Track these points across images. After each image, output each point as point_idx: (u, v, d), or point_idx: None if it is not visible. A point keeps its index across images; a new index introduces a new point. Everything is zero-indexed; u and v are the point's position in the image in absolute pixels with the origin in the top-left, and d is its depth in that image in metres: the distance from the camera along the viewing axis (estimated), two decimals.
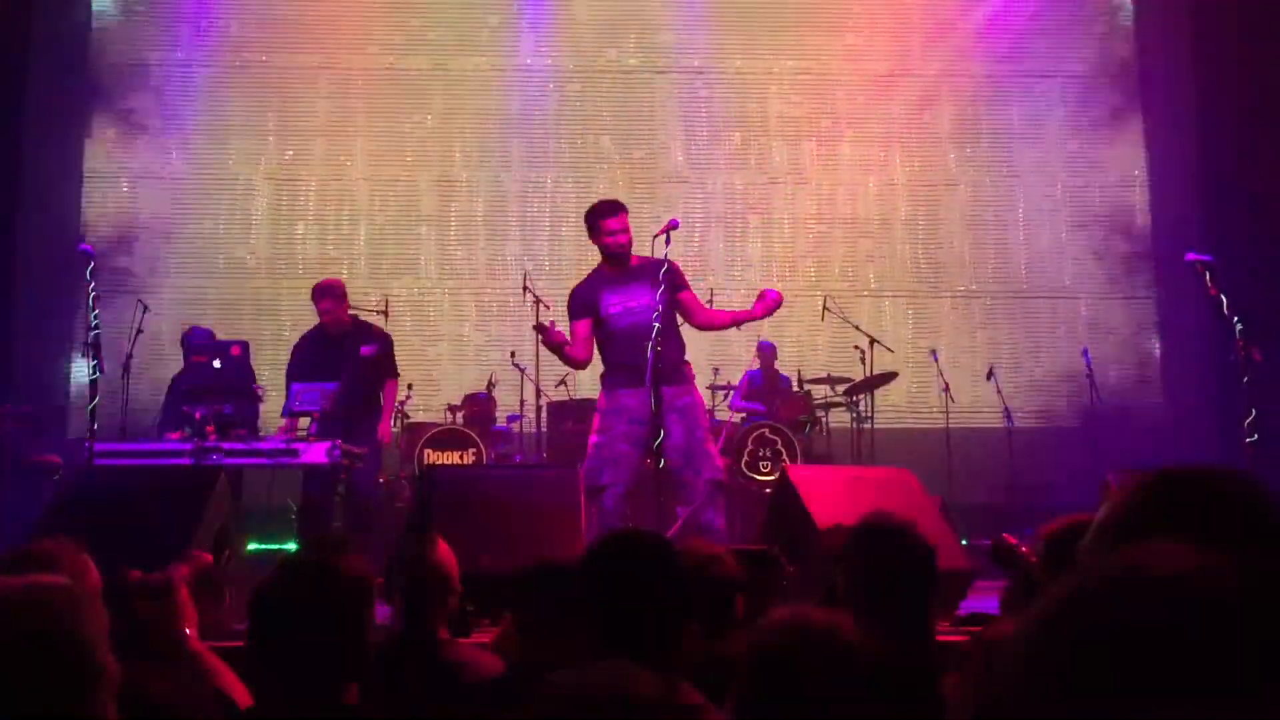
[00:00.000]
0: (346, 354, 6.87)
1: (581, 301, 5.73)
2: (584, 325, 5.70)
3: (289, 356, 7.20)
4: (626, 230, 5.65)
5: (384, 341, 7.16)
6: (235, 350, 6.33)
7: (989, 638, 1.97)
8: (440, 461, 8.22)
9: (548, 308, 9.10)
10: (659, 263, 5.48)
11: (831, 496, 5.20)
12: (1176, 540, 0.82)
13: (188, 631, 2.63)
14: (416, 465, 8.14)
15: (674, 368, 5.53)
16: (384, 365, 7.10)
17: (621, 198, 10.12)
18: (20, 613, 1.51)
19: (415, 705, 2.42)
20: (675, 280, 5.64)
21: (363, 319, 7.30)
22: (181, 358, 7.36)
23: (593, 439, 5.62)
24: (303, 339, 7.22)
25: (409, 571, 2.88)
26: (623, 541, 2.34)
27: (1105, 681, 0.73)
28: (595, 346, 5.79)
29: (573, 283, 9.94)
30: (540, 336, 5.63)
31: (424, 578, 2.96)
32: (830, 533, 4.21)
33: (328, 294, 7.01)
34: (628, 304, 5.56)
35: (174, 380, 7.13)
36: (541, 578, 2.71)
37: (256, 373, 6.84)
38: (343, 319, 7.04)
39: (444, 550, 3.25)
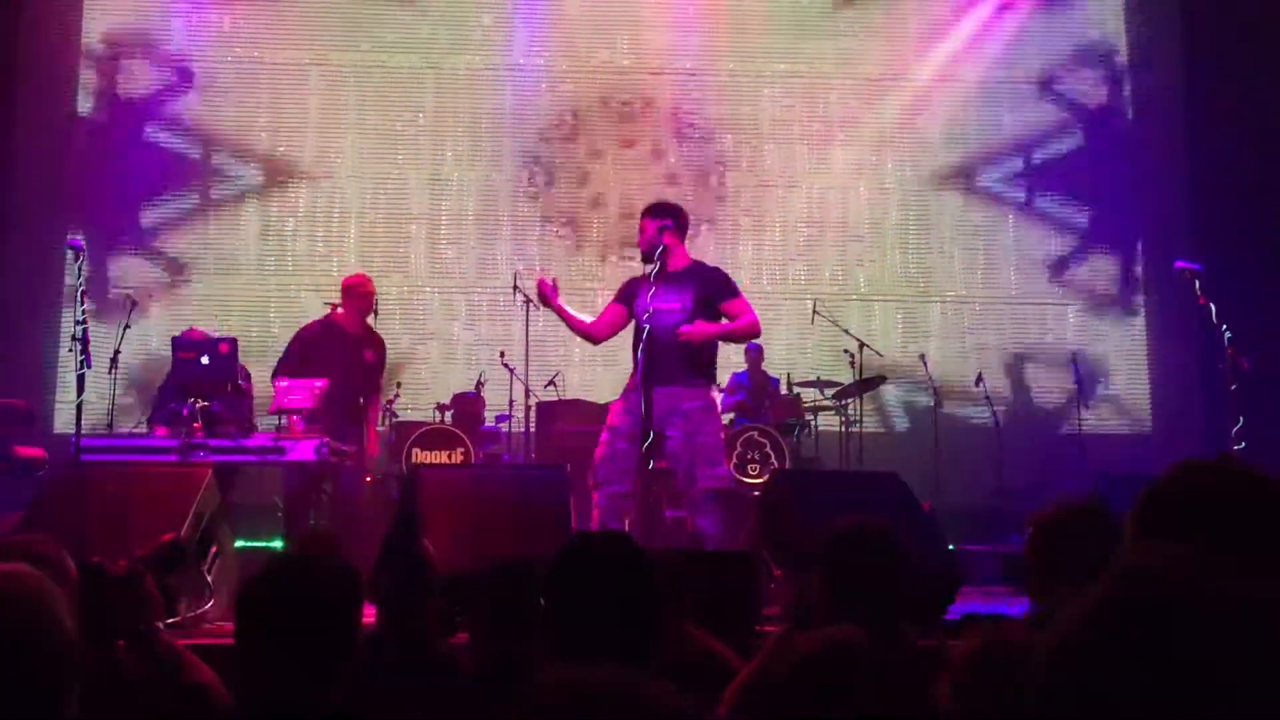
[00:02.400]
0: (350, 354, 6.93)
1: (625, 289, 5.82)
2: (614, 309, 5.79)
3: (290, 343, 7.13)
4: (642, 231, 5.74)
5: (382, 350, 7.29)
6: (224, 347, 6.29)
7: (991, 640, 1.96)
8: (428, 460, 8.20)
9: (537, 308, 9.09)
10: (700, 271, 5.70)
11: (820, 500, 5.20)
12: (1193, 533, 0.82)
13: (159, 625, 2.62)
14: (404, 464, 8.12)
15: (689, 371, 5.53)
16: (378, 376, 7.26)
17: (612, 199, 10.29)
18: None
19: (405, 703, 2.40)
20: (713, 290, 5.67)
21: (371, 326, 7.34)
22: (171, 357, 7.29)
23: (601, 435, 5.63)
24: (310, 326, 7.19)
25: (400, 571, 2.87)
26: (587, 544, 2.33)
27: (1134, 685, 0.73)
28: (613, 333, 5.85)
29: (563, 283, 10.01)
30: (540, 292, 5.66)
31: (415, 577, 2.96)
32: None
33: (365, 297, 7.16)
34: (654, 305, 5.51)
35: (166, 379, 7.08)
36: (495, 579, 2.70)
37: (249, 370, 6.83)
38: (361, 319, 7.16)
39: (428, 550, 3.25)
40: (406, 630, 2.90)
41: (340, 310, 7.14)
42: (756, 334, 6.00)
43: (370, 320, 7.34)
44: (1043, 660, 0.80)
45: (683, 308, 5.54)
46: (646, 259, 5.67)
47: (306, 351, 6.96)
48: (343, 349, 6.94)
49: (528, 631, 2.40)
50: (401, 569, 2.97)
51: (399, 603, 2.93)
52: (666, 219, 5.72)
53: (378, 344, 7.25)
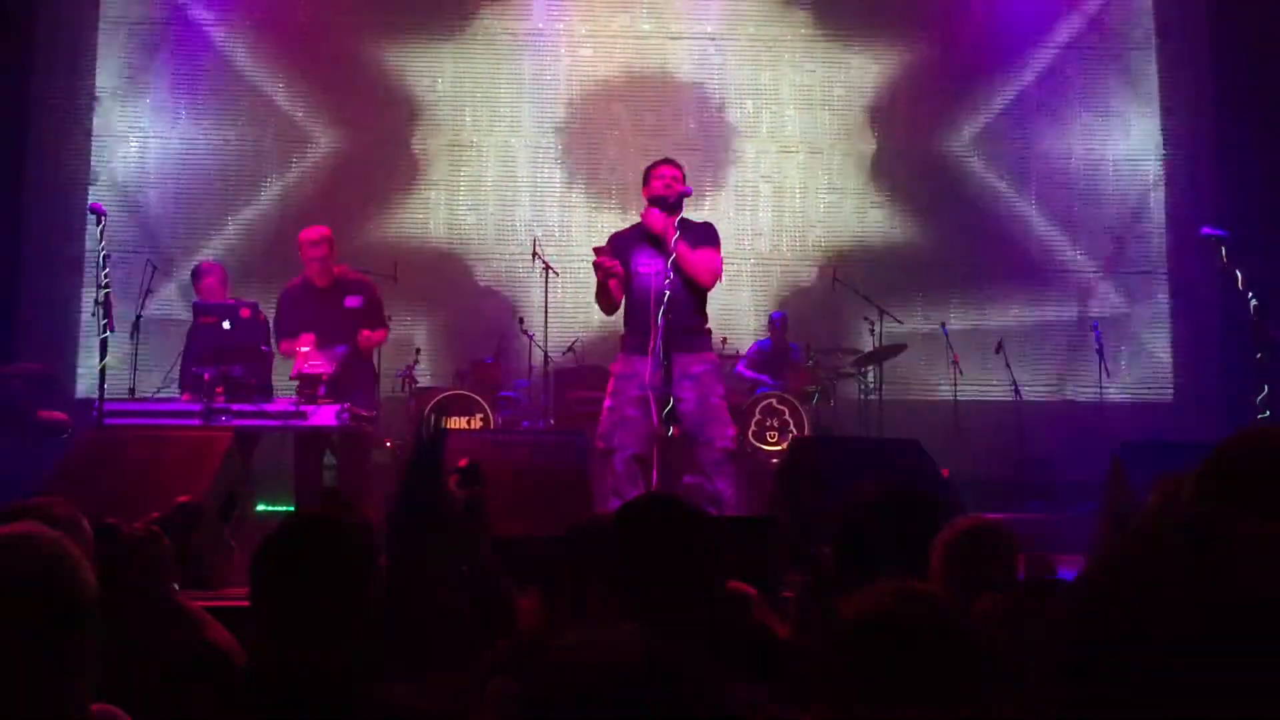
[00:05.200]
0: (331, 308, 6.62)
1: (617, 250, 5.59)
2: (618, 272, 5.57)
3: (277, 305, 6.91)
4: (679, 179, 5.57)
5: (368, 292, 6.82)
6: (245, 312, 6.30)
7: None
8: (446, 425, 8.22)
9: (556, 274, 9.09)
10: (689, 226, 5.51)
11: (839, 466, 5.20)
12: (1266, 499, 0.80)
13: (174, 587, 2.62)
14: (425, 425, 8.14)
15: (689, 334, 5.47)
16: (371, 318, 6.76)
17: (631, 165, 10.21)
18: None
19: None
20: (698, 238, 5.55)
21: (349, 272, 6.96)
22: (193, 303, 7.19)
23: (606, 403, 5.57)
24: (287, 291, 6.85)
25: (421, 514, 2.83)
26: (657, 506, 2.30)
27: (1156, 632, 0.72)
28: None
29: (581, 249, 9.96)
30: (595, 258, 5.46)
31: (436, 521, 2.93)
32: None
33: (324, 243, 6.68)
34: (658, 265, 5.40)
35: (188, 337, 7.04)
36: (572, 545, 2.67)
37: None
38: (325, 270, 6.69)
39: (454, 496, 3.19)
40: (418, 579, 2.85)
41: (307, 264, 6.76)
42: (707, 281, 5.58)
43: (386, 281, 7.15)
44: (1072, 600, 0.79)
45: (668, 269, 5.42)
46: (663, 204, 5.50)
47: (289, 311, 6.71)
48: (319, 304, 6.64)
49: (602, 594, 2.38)
50: (426, 511, 2.91)
51: (410, 550, 2.87)
52: (687, 187, 5.64)
53: (360, 286, 6.80)
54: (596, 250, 5.52)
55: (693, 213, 5.88)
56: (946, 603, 1.59)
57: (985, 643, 1.57)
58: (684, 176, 5.65)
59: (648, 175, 5.66)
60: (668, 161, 5.69)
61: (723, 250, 5.71)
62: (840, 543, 2.79)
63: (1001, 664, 1.58)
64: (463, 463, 3.38)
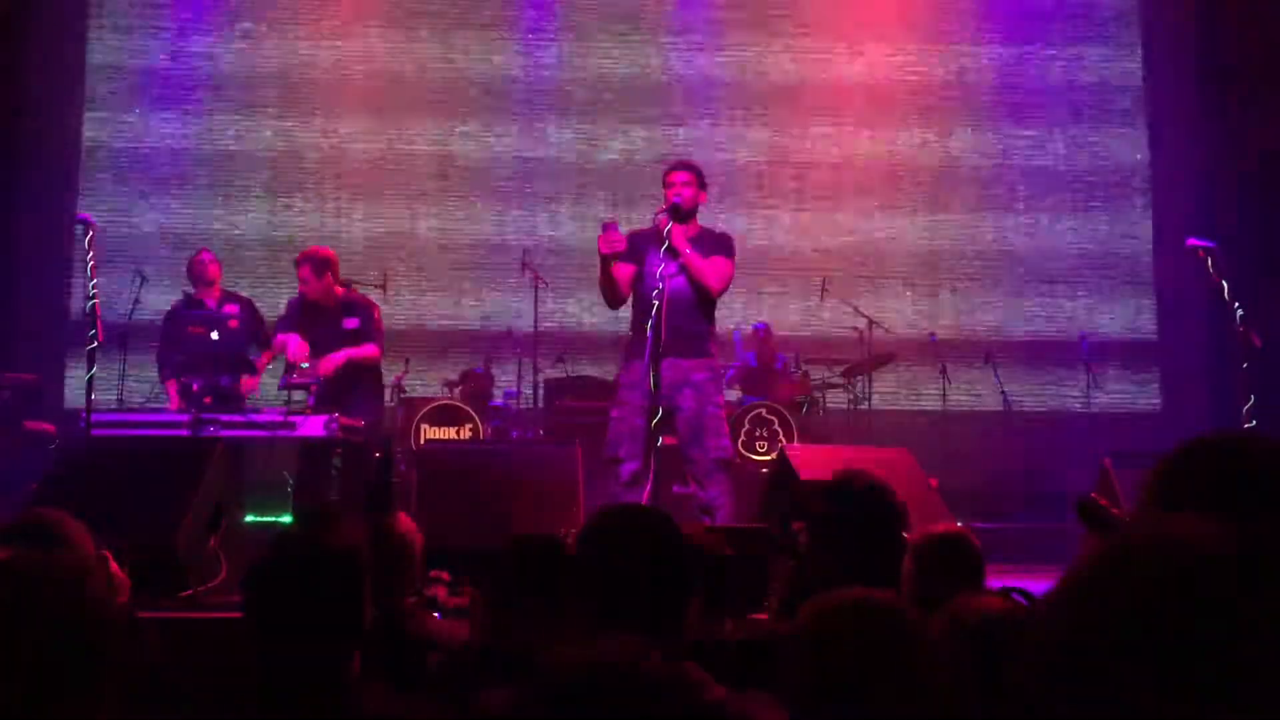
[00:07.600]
0: (331, 328, 6.63)
1: (632, 247, 5.45)
2: (627, 267, 5.51)
3: (289, 306, 6.92)
4: (690, 184, 5.49)
5: (366, 313, 6.78)
6: (234, 324, 6.29)
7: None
8: (437, 436, 8.22)
9: (545, 284, 9.09)
10: (708, 235, 5.52)
11: (829, 476, 5.18)
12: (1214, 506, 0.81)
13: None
14: (413, 440, 8.13)
15: (691, 340, 5.42)
16: (367, 335, 6.72)
17: (622, 171, 10.24)
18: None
19: (378, 677, 2.37)
20: (713, 247, 5.54)
21: (351, 292, 6.93)
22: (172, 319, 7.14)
23: (613, 411, 5.53)
24: (295, 300, 6.87)
25: (371, 544, 2.84)
26: (625, 515, 2.30)
27: (1129, 646, 0.73)
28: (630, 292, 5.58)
29: (573, 257, 9.95)
30: (601, 233, 5.29)
31: (385, 550, 2.94)
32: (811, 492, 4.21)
33: (306, 263, 6.63)
34: (668, 269, 5.25)
35: (166, 318, 7.01)
36: (514, 554, 2.69)
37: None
38: (325, 292, 6.66)
39: (406, 524, 3.22)
40: (383, 603, 2.85)
41: (300, 285, 6.73)
42: (713, 285, 5.52)
43: (375, 291, 7.17)
44: (1055, 633, 0.79)
45: (676, 274, 5.40)
46: (676, 213, 5.38)
47: (294, 316, 6.73)
48: (322, 324, 6.64)
49: (549, 608, 2.38)
50: (376, 543, 2.92)
51: (375, 576, 2.87)
52: (703, 191, 5.61)
53: (359, 308, 6.77)
54: (604, 225, 5.35)
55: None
56: (898, 610, 1.62)
57: (935, 648, 1.59)
58: (697, 180, 5.57)
59: (663, 180, 5.64)
60: (676, 167, 5.63)
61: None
62: (812, 531, 2.79)
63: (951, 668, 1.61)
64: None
